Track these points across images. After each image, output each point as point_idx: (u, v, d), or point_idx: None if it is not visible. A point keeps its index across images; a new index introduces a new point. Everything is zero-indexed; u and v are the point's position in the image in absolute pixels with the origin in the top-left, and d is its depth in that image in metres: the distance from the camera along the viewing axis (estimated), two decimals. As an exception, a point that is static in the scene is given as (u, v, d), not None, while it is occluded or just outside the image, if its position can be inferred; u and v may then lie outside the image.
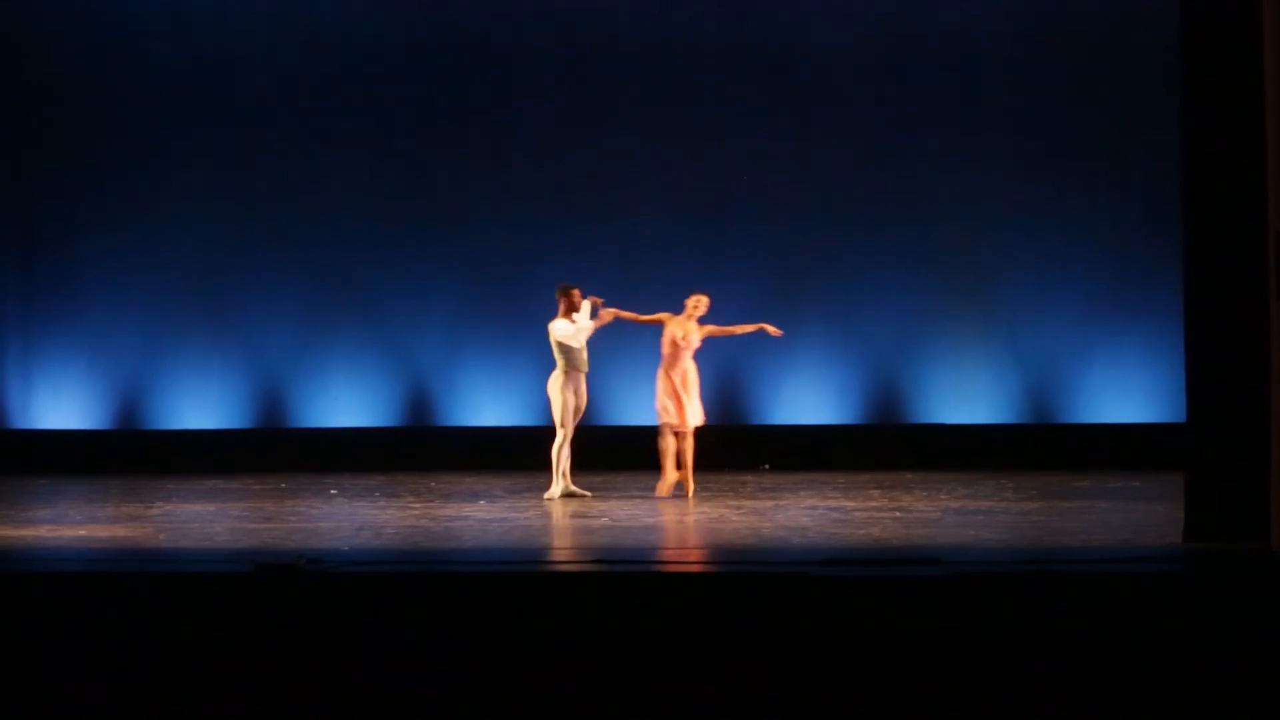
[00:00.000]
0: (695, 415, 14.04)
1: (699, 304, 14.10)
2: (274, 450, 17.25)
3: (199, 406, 17.64)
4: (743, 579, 8.84)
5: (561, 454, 13.96)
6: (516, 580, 9.03)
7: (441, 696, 8.12)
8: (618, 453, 16.72)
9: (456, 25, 17.55)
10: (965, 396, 17.14)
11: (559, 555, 10.76)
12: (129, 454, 17.35)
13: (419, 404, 17.52)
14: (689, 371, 14.02)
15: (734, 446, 17.01)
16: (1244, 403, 9.65)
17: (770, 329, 14.26)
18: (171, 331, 17.67)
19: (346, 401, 17.56)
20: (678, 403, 13.94)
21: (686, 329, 14.02)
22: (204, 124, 17.62)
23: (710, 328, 14.13)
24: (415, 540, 11.40)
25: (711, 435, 17.27)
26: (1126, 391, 16.91)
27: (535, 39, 17.50)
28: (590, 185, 17.44)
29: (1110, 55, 16.86)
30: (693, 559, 10.14)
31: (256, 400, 17.66)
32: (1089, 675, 7.92)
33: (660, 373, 14.01)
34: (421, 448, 17.24)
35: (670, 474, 14.04)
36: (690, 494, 14.00)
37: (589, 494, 14.05)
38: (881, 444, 16.96)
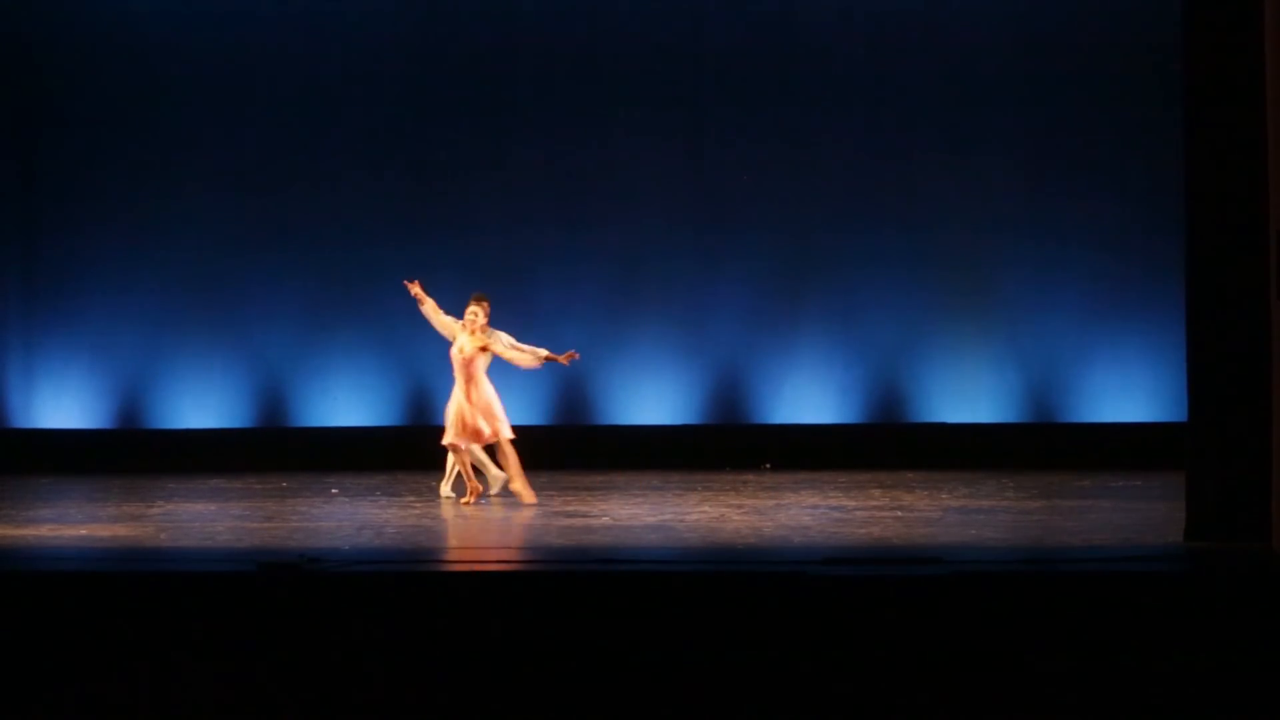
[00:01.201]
0: (481, 430, 13.28)
1: (475, 313, 13.25)
2: (275, 449, 17.23)
3: (200, 406, 17.63)
4: (743, 579, 8.84)
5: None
6: (517, 580, 9.04)
7: (442, 696, 8.12)
8: (617, 452, 16.73)
9: (457, 25, 17.54)
10: (966, 396, 17.12)
11: (560, 555, 10.76)
12: (130, 453, 17.34)
13: (420, 403, 17.51)
14: (479, 385, 13.24)
15: (735, 446, 17.01)
16: (1244, 403, 9.66)
17: (561, 359, 13.47)
18: (172, 331, 17.66)
19: (347, 401, 17.55)
20: (462, 417, 13.27)
21: (463, 342, 13.26)
22: (205, 124, 17.60)
23: (499, 344, 13.28)
24: (416, 540, 11.40)
25: (713, 435, 17.32)
26: (1127, 391, 16.89)
27: (536, 39, 17.48)
28: (590, 185, 17.42)
29: (1111, 55, 16.83)
30: (692, 559, 10.13)
31: (257, 399, 17.65)
32: (1089, 675, 7.92)
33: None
34: (422, 447, 17.20)
35: (475, 482, 13.56)
36: (469, 502, 13.50)
37: (455, 497, 13.82)
38: (882, 443, 16.93)
